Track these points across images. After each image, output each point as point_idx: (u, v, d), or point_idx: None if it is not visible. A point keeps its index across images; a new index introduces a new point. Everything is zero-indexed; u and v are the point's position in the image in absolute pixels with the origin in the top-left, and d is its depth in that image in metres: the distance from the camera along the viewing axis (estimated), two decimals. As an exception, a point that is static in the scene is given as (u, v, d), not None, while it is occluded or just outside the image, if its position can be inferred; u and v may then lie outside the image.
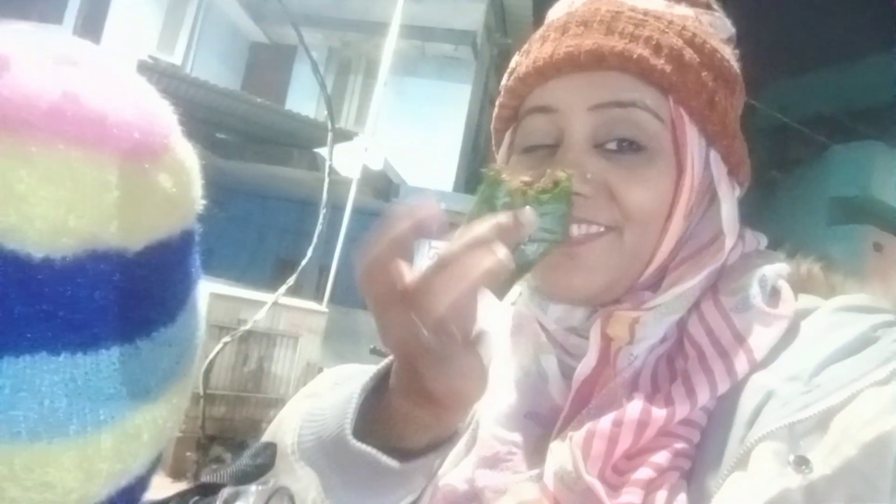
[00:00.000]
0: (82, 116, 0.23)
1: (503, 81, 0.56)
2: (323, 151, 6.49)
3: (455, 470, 0.51)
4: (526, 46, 0.55)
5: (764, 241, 0.56)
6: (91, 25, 4.13)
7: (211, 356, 4.09)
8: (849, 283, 0.53)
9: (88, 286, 0.24)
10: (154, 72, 7.36)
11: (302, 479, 0.46)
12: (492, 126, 0.58)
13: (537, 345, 0.54)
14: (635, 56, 0.48)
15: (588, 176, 0.48)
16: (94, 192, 0.24)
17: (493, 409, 0.52)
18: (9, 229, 0.22)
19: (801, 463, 0.41)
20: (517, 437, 0.50)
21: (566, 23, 0.52)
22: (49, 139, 0.22)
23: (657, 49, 0.49)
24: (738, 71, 0.54)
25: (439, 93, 9.00)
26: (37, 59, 0.23)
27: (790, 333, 0.48)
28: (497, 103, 0.57)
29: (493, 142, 0.60)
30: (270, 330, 4.53)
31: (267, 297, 4.34)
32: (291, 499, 0.33)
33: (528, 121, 0.53)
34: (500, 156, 0.57)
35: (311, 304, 5.08)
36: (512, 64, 0.56)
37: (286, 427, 0.50)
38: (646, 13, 0.51)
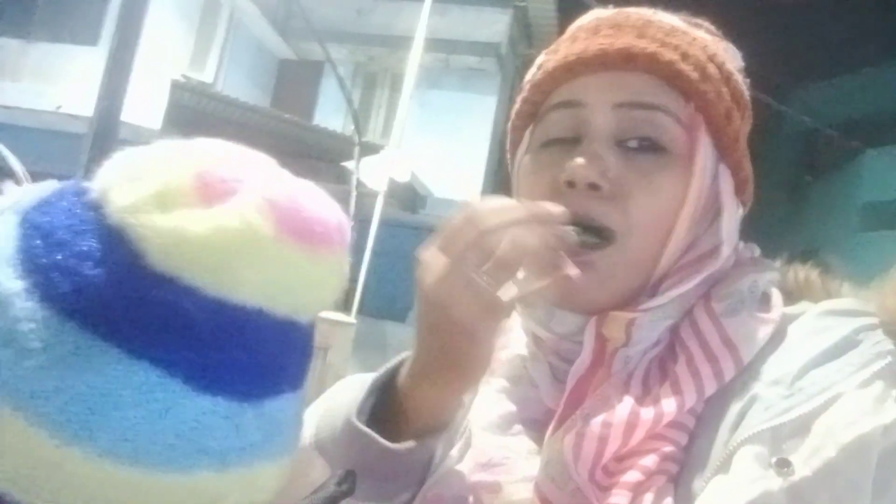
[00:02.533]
0: (341, 227, 0.34)
1: (528, 77, 0.57)
2: (350, 165, 6.56)
3: (448, 475, 0.52)
4: (554, 46, 0.56)
5: (757, 251, 0.57)
6: (125, 46, 4.25)
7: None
8: (846, 288, 0.53)
9: (310, 341, 0.35)
10: (186, 90, 7.54)
11: (317, 470, 0.48)
12: (510, 123, 0.58)
13: (524, 354, 0.55)
14: (665, 59, 0.50)
15: (610, 173, 0.49)
16: (340, 277, 0.34)
17: (485, 419, 0.53)
18: (302, 306, 0.32)
19: (783, 465, 0.42)
20: (512, 441, 0.51)
21: (597, 25, 0.54)
22: (332, 247, 0.33)
23: (685, 56, 0.51)
24: (749, 99, 0.56)
25: (464, 104, 9.04)
26: (292, 185, 0.33)
27: (777, 337, 0.49)
28: (519, 99, 0.57)
29: (508, 140, 0.60)
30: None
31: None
32: None
33: (551, 115, 0.54)
34: (517, 155, 0.58)
35: (339, 316, 5.12)
36: (539, 60, 0.57)
37: (307, 424, 0.52)
38: (673, 26, 0.53)
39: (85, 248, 0.28)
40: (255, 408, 0.31)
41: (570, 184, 0.50)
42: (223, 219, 0.29)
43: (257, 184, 0.31)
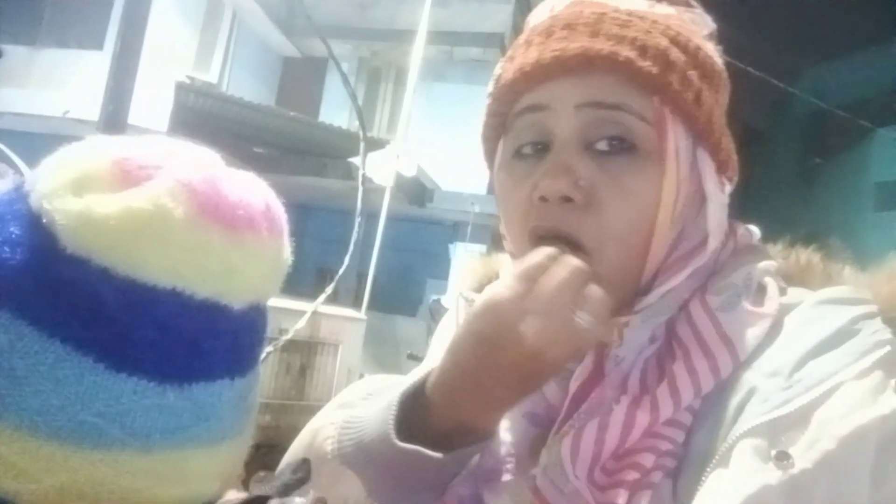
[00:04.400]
0: (269, 213, 0.34)
1: (489, 89, 0.56)
2: (356, 161, 6.57)
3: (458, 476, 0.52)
4: (510, 52, 0.55)
5: (757, 235, 0.56)
6: (129, 50, 4.26)
7: (255, 366, 4.17)
8: (847, 272, 0.53)
9: (247, 329, 0.34)
10: (191, 91, 7.56)
11: (344, 483, 0.49)
12: (481, 135, 0.58)
13: None
14: (622, 58, 0.49)
15: (581, 182, 0.49)
16: (270, 263, 0.34)
17: None
18: (225, 291, 0.32)
19: (782, 458, 0.42)
20: (515, 437, 0.51)
21: (550, 26, 0.52)
22: (257, 231, 0.33)
23: (643, 50, 0.49)
24: (723, 66, 0.54)
25: (469, 96, 9.00)
26: (207, 167, 0.33)
27: (774, 330, 0.48)
28: (485, 112, 0.57)
29: (483, 153, 0.59)
30: (311, 338, 4.60)
31: (307, 307, 4.41)
32: None
33: (518, 123, 0.53)
34: (494, 167, 0.57)
35: (349, 312, 5.14)
36: (497, 71, 0.56)
37: (323, 435, 0.53)
38: (629, 14, 0.51)
39: (7, 235, 0.30)
40: (178, 390, 0.31)
41: (543, 199, 0.49)
42: (132, 200, 0.29)
43: (176, 169, 0.31)
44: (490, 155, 0.58)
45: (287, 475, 0.39)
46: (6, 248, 0.29)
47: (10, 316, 0.29)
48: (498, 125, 0.56)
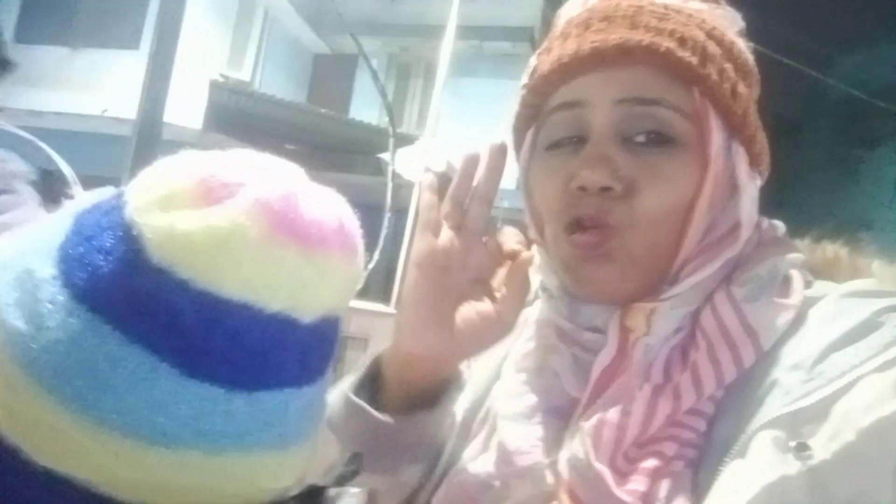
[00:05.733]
0: (343, 231, 0.36)
1: (524, 80, 0.56)
2: (386, 156, 6.60)
3: (473, 463, 0.53)
4: (546, 44, 0.55)
5: (781, 229, 0.56)
6: (164, 49, 4.35)
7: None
8: (876, 265, 0.52)
9: (317, 341, 0.36)
10: (224, 90, 7.68)
11: (331, 446, 0.52)
12: (511, 126, 0.58)
13: (546, 346, 0.55)
14: (662, 49, 0.49)
15: (620, 172, 0.49)
16: (341, 279, 0.36)
17: (509, 409, 0.54)
18: (295, 305, 0.34)
19: (802, 449, 0.41)
20: (538, 430, 0.52)
21: (587, 19, 0.52)
22: (329, 249, 0.35)
23: (682, 42, 0.49)
24: (754, 63, 0.55)
25: (499, 91, 8.94)
26: (291, 184, 0.35)
27: (797, 322, 0.48)
28: (518, 103, 0.57)
29: (512, 143, 0.59)
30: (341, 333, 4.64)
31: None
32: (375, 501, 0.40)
33: (553, 117, 0.53)
34: (521, 157, 0.57)
35: (379, 307, 5.18)
36: (532, 62, 0.56)
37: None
38: (666, 7, 0.51)
39: (102, 244, 0.32)
40: (247, 397, 0.33)
41: (582, 189, 0.50)
42: (213, 219, 0.32)
43: (256, 188, 0.33)
44: (518, 146, 0.58)
45: (340, 467, 0.41)
46: (100, 256, 0.32)
47: (99, 320, 0.31)
48: (530, 116, 0.56)
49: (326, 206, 0.35)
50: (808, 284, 0.51)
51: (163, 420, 0.31)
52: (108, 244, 0.32)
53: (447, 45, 6.06)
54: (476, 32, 8.41)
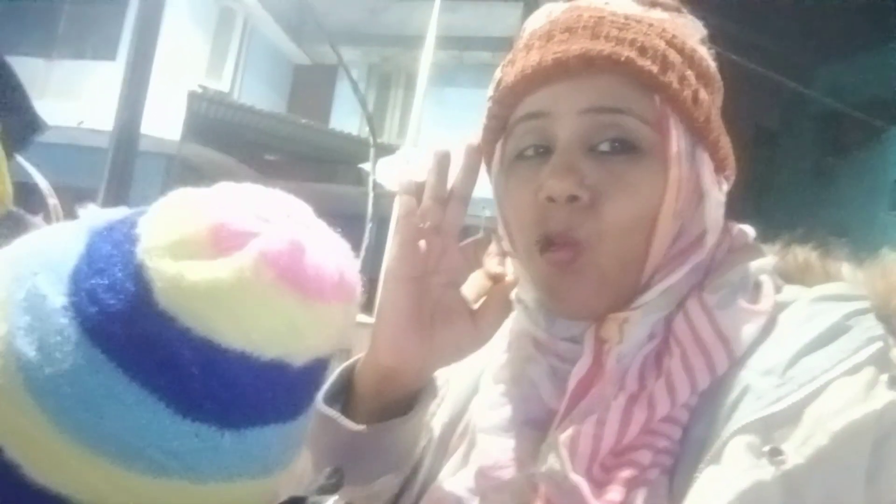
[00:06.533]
0: (342, 283, 0.38)
1: (490, 93, 0.57)
2: (367, 166, 6.59)
3: (453, 478, 0.53)
4: (510, 56, 0.56)
5: (752, 234, 0.56)
6: (142, 59, 4.31)
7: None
8: (846, 269, 0.53)
9: (305, 381, 0.38)
10: (203, 100, 7.63)
11: (303, 458, 0.50)
12: (481, 139, 0.58)
13: (523, 357, 0.55)
14: (623, 58, 0.49)
15: (587, 181, 0.50)
16: (335, 328, 0.38)
17: (488, 421, 0.54)
18: (289, 352, 0.36)
19: (775, 454, 0.42)
20: (516, 442, 0.52)
21: (550, 31, 0.53)
22: (327, 301, 0.36)
23: (642, 50, 0.50)
24: (716, 70, 0.55)
25: (480, 100, 8.77)
26: (293, 225, 0.37)
27: (768, 327, 0.49)
28: (485, 116, 0.57)
29: (483, 156, 0.59)
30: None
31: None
32: None
33: (519, 128, 0.54)
34: (493, 169, 0.58)
35: (361, 317, 5.14)
36: (497, 74, 0.56)
37: None
38: (626, 17, 0.52)
39: (113, 279, 0.34)
40: (235, 435, 0.35)
41: (550, 199, 0.50)
42: (219, 272, 0.33)
43: (265, 240, 0.35)
44: (487, 157, 0.59)
45: (322, 479, 0.42)
46: (109, 293, 0.33)
47: (104, 358, 0.33)
48: (498, 128, 0.56)
49: (329, 257, 0.37)
50: (778, 289, 0.52)
51: (154, 453, 0.33)
52: (118, 280, 0.34)
53: (427, 55, 6.08)
54: (457, 42, 8.46)
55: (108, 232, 0.36)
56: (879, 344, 0.45)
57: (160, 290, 0.33)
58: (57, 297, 0.34)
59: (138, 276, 0.33)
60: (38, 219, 1.05)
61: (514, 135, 0.54)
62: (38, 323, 0.33)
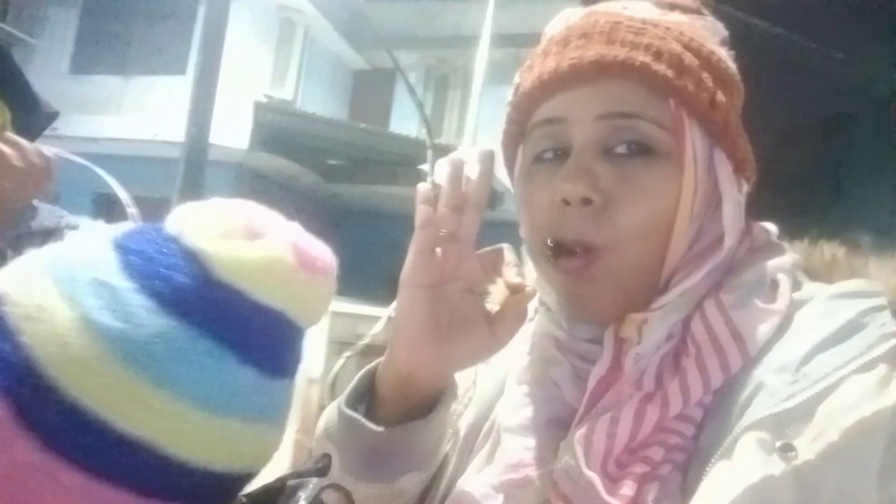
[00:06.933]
0: (329, 264, 0.46)
1: (509, 98, 0.57)
2: (426, 167, 6.65)
3: (477, 476, 0.54)
4: (528, 62, 0.56)
5: (774, 232, 0.55)
6: (208, 73, 4.49)
7: (335, 370, 4.27)
8: (872, 266, 0.52)
9: (302, 342, 0.46)
10: (269, 109, 7.88)
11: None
12: (501, 143, 0.59)
13: (546, 358, 0.56)
14: (637, 63, 0.50)
15: (601, 184, 0.50)
16: (326, 299, 0.46)
17: (512, 421, 0.55)
18: (298, 314, 0.44)
19: (787, 450, 0.42)
20: (539, 441, 0.52)
21: (566, 36, 0.53)
22: (326, 276, 0.45)
23: (657, 55, 0.50)
24: (736, 71, 0.55)
25: (537, 98, 8.93)
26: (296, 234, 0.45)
27: (784, 326, 0.48)
28: (504, 120, 0.58)
29: (503, 160, 0.60)
30: (386, 342, 4.63)
31: (382, 312, 4.48)
32: (347, 494, 0.46)
33: (536, 133, 0.54)
34: (515, 174, 0.58)
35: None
36: (516, 80, 0.57)
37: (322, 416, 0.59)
38: (643, 22, 0.52)
39: (173, 263, 0.41)
40: (277, 383, 0.43)
41: (566, 202, 0.50)
42: (264, 248, 0.42)
43: (280, 232, 0.44)
44: (510, 163, 0.60)
45: (309, 465, 0.48)
46: (174, 272, 0.41)
47: (181, 321, 0.40)
48: (517, 133, 0.57)
49: (320, 247, 0.46)
50: (796, 287, 0.51)
51: (223, 396, 0.41)
52: (179, 264, 0.41)
53: (482, 54, 6.08)
54: (513, 40, 8.41)
55: (131, 237, 0.43)
56: (894, 341, 0.44)
57: (219, 263, 0.41)
58: (123, 283, 0.40)
59: (194, 259, 0.41)
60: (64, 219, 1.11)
61: (532, 139, 0.55)
62: (113, 303, 0.39)
